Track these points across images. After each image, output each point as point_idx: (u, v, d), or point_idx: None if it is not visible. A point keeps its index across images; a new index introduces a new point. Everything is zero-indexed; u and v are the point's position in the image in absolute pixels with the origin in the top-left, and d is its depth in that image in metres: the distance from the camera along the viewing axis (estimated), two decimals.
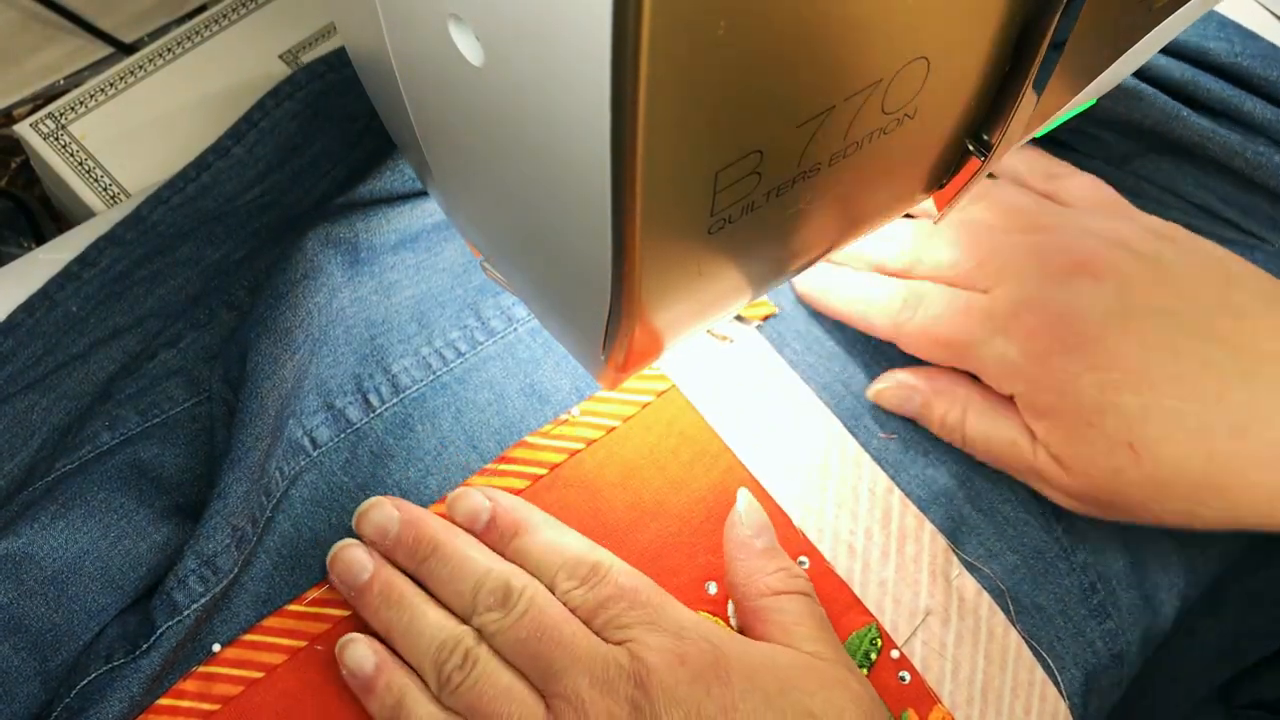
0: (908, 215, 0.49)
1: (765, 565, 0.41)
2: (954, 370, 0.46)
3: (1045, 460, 0.44)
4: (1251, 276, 0.44)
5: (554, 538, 0.41)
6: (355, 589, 0.41)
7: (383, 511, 0.42)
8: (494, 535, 0.41)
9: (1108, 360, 0.42)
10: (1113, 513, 0.44)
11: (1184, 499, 0.42)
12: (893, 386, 0.47)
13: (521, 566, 0.41)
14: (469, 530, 0.42)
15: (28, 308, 0.46)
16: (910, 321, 0.46)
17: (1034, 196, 0.49)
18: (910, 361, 0.48)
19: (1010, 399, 0.45)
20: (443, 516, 0.43)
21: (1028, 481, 0.46)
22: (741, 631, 0.42)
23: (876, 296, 0.47)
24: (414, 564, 0.41)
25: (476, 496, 0.42)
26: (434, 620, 0.40)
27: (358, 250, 0.46)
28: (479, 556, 0.40)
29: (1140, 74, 0.51)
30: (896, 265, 0.48)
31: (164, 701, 0.39)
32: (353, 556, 0.41)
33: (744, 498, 0.44)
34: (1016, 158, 0.51)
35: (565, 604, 0.39)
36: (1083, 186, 0.49)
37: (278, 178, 0.51)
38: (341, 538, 0.42)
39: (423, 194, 0.48)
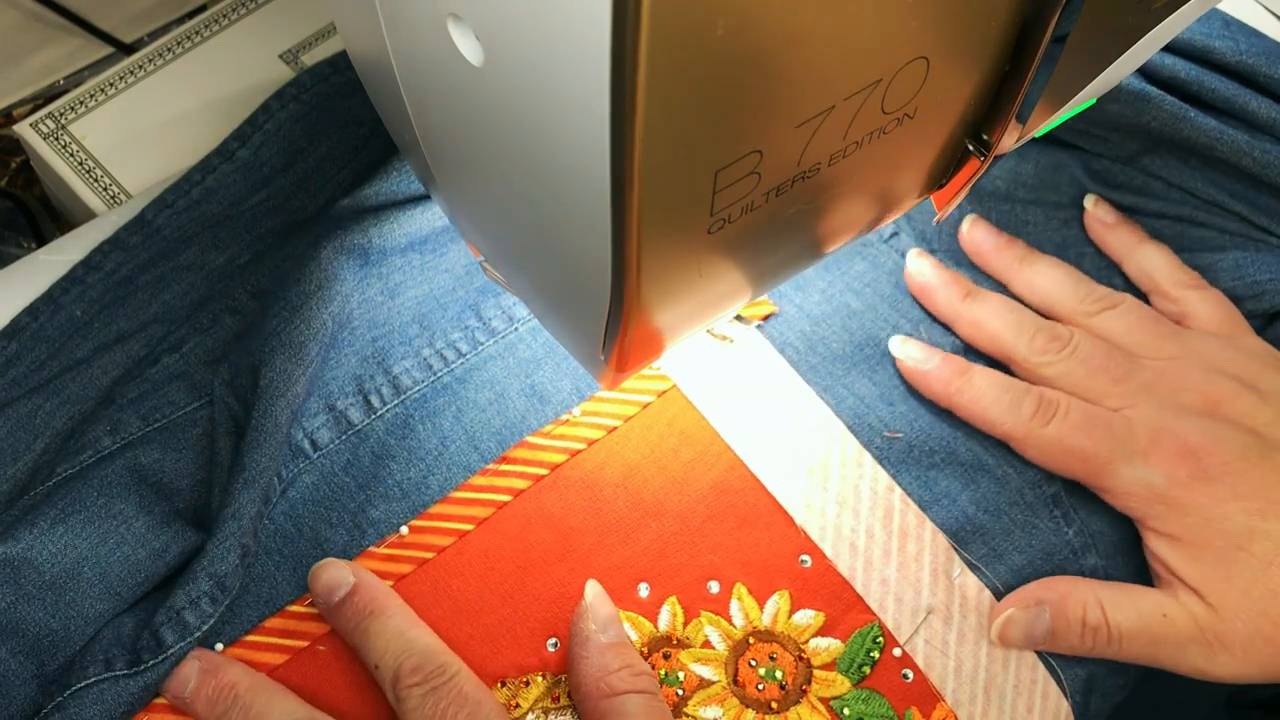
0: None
1: (610, 663, 0.40)
2: (1044, 581, 0.45)
3: (1196, 606, 0.42)
4: None
5: (406, 628, 0.40)
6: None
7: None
8: (348, 610, 0.40)
9: (1250, 490, 0.43)
10: (1269, 650, 0.42)
11: None
12: (1014, 614, 0.44)
13: (367, 648, 0.40)
14: (325, 601, 0.41)
15: (31, 312, 0.46)
16: (1046, 428, 0.45)
17: (1160, 317, 0.49)
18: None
19: (1141, 535, 0.45)
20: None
21: (1181, 658, 0.43)
22: None
23: (1004, 396, 0.46)
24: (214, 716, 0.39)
25: (341, 570, 0.41)
26: None
27: (369, 254, 0.46)
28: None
29: (1146, 75, 0.51)
30: (1031, 362, 0.47)
31: (162, 700, 0.40)
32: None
33: (592, 589, 0.42)
34: (1150, 260, 0.51)
35: (403, 702, 0.38)
36: (1208, 304, 0.50)
37: (282, 182, 0.50)
38: (342, 538, 0.43)
39: (429, 196, 0.48)
